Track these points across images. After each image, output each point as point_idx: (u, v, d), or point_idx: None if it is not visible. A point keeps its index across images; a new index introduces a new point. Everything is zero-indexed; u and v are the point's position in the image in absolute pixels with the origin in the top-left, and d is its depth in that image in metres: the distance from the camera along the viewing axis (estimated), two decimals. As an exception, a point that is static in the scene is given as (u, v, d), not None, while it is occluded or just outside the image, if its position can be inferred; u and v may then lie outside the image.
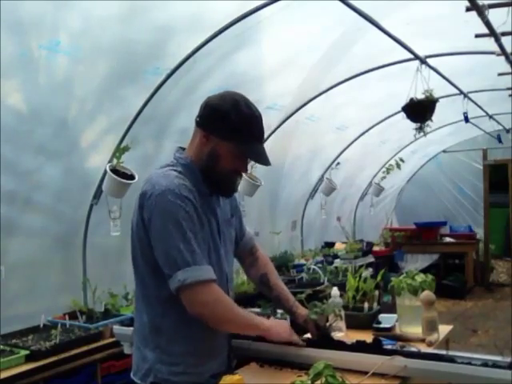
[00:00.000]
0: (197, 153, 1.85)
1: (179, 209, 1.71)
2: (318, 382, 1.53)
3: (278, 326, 1.95)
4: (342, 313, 2.43)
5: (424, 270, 6.02)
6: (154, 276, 1.79)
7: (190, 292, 1.68)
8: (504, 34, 3.66)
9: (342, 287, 2.78)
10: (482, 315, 7.06)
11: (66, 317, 3.56)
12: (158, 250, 1.72)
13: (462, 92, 5.78)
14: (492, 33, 3.56)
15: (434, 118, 4.71)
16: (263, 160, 1.83)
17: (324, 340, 1.98)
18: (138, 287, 1.88)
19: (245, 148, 1.80)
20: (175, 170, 1.83)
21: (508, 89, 5.69)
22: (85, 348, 3.19)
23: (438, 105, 4.66)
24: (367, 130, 6.70)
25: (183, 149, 1.93)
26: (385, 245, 8.21)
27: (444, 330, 2.48)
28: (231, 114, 1.77)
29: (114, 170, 3.69)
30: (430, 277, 2.52)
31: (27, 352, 2.96)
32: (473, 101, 6.07)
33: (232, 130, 1.78)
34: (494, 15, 3.21)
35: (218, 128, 1.79)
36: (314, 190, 6.78)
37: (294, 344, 1.94)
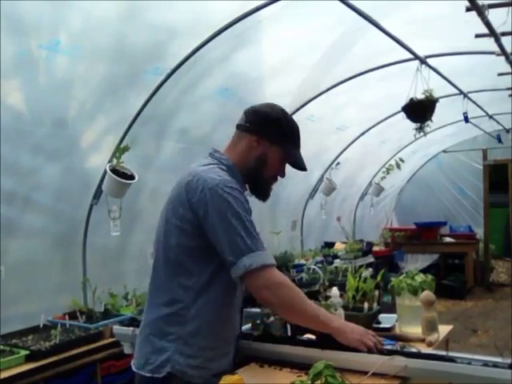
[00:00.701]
0: (243, 156, 1.93)
1: (235, 199, 1.77)
2: (318, 381, 1.53)
3: (349, 329, 1.88)
4: (342, 313, 2.43)
5: (424, 270, 6.03)
6: (194, 266, 1.82)
7: (256, 276, 1.72)
8: (504, 33, 3.66)
9: (342, 287, 2.78)
10: (482, 315, 7.06)
11: (66, 317, 3.56)
12: (220, 240, 1.74)
13: (461, 92, 5.77)
14: (492, 33, 3.56)
15: (433, 118, 4.71)
16: (303, 166, 1.99)
17: (324, 340, 1.98)
18: (168, 278, 1.86)
19: (292, 153, 1.95)
20: (221, 169, 1.88)
21: (508, 89, 5.68)
22: (85, 348, 3.18)
23: (438, 105, 4.66)
24: (367, 130, 6.70)
25: (217, 151, 1.98)
26: (385, 245, 8.22)
27: (444, 330, 2.48)
28: (283, 121, 1.93)
29: (114, 170, 3.69)
30: (429, 277, 2.53)
31: (27, 352, 2.96)
32: (473, 101, 6.07)
33: (283, 136, 1.93)
34: (494, 15, 3.21)
35: (271, 133, 1.91)
36: (314, 190, 6.79)
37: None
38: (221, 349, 1.89)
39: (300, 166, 1.98)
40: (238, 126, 1.97)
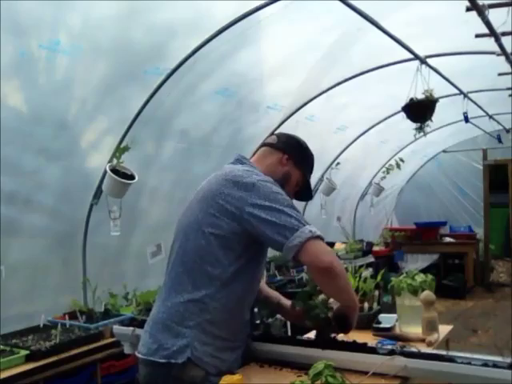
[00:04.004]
0: (270, 170, 2.08)
1: (282, 190, 1.92)
2: (318, 382, 1.53)
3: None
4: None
5: (424, 270, 6.01)
6: (224, 257, 1.89)
7: (320, 242, 1.80)
8: (504, 34, 3.66)
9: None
10: (482, 315, 7.06)
11: (66, 317, 3.56)
12: (275, 217, 1.80)
13: (462, 92, 5.77)
14: (492, 33, 3.56)
15: (433, 118, 4.71)
16: (311, 194, 2.28)
17: (324, 339, 1.98)
18: (194, 265, 1.91)
19: (307, 179, 2.20)
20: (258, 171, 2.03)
21: (508, 89, 5.68)
22: (85, 348, 3.18)
23: (438, 105, 4.65)
24: (367, 130, 6.70)
25: (245, 158, 2.13)
26: (385, 245, 8.20)
27: (444, 330, 2.48)
28: (308, 151, 2.22)
29: (114, 170, 3.69)
30: (430, 277, 2.53)
31: (27, 352, 2.95)
32: (473, 101, 6.07)
33: (307, 163, 2.20)
34: (493, 15, 3.21)
35: (299, 156, 2.16)
36: (314, 190, 6.78)
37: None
38: (231, 341, 1.95)
39: (310, 191, 2.25)
40: (269, 144, 2.17)
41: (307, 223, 1.82)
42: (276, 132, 2.23)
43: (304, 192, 2.20)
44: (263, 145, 2.21)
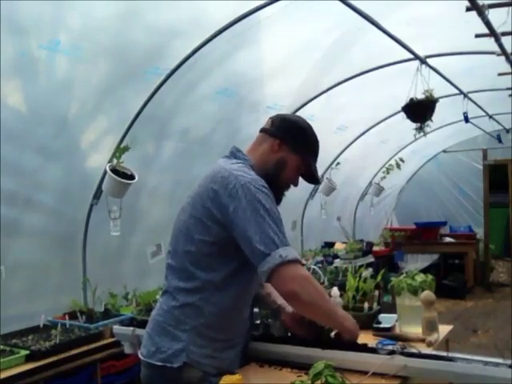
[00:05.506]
0: (263, 159, 1.98)
1: (267, 197, 1.82)
2: (318, 382, 1.53)
3: (353, 326, 1.95)
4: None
5: (424, 270, 6.03)
6: (215, 262, 1.86)
7: (288, 268, 1.74)
8: (504, 33, 3.66)
9: (342, 287, 2.78)
10: (482, 315, 7.06)
11: (66, 317, 3.56)
12: (251, 233, 1.76)
13: (462, 92, 5.78)
14: (492, 33, 3.56)
15: (433, 117, 4.71)
16: (317, 178, 2.10)
17: (324, 340, 1.98)
18: (187, 269, 1.89)
19: (309, 164, 2.01)
20: (249, 168, 1.93)
21: (508, 89, 5.69)
22: (85, 348, 3.18)
23: (437, 105, 4.66)
24: (367, 130, 6.70)
25: (240, 151, 2.03)
26: (385, 245, 8.21)
27: (444, 330, 2.48)
28: (308, 131, 2.04)
29: (114, 170, 3.69)
30: (430, 277, 2.52)
31: (27, 352, 2.95)
32: (473, 101, 6.07)
33: (306, 145, 2.02)
34: (493, 15, 3.22)
35: (294, 140, 1.98)
36: (314, 190, 6.78)
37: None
38: (229, 341, 1.94)
39: (314, 177, 2.06)
40: (263, 130, 2.04)
41: (282, 243, 1.75)
42: (272, 115, 2.09)
43: (308, 177, 2.08)
44: (260, 130, 2.10)
